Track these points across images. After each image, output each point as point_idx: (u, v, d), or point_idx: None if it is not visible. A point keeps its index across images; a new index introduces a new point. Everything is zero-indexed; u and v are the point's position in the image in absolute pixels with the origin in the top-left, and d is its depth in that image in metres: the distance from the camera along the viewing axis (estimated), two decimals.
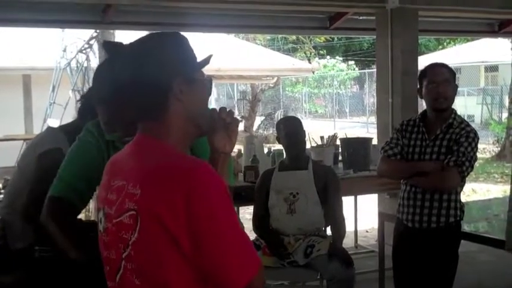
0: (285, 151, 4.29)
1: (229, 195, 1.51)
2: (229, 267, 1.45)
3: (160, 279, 1.46)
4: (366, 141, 5.50)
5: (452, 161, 3.27)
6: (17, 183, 2.96)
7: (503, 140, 15.29)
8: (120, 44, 1.90)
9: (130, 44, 1.62)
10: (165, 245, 1.44)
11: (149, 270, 1.47)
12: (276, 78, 17.52)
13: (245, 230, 1.59)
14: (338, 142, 5.51)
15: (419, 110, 3.75)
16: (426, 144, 3.39)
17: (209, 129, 1.66)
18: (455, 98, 3.48)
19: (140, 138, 1.59)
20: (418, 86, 3.47)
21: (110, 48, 1.84)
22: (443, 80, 3.35)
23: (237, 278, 1.46)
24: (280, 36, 20.16)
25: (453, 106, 3.48)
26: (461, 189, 3.51)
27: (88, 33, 10.47)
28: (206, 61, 1.63)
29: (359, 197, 6.27)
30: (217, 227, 1.45)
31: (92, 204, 6.17)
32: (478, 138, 3.37)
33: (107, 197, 1.60)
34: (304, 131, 4.19)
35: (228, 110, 1.70)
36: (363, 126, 22.06)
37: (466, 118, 3.58)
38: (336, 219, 4.10)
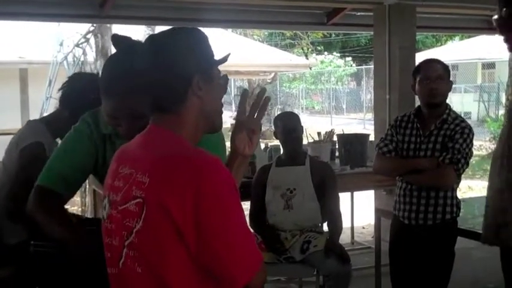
0: (282, 147, 4.28)
1: (238, 190, 1.53)
2: (232, 264, 1.46)
3: (161, 269, 1.47)
4: (363, 138, 5.50)
5: (448, 158, 3.27)
6: (2, 180, 2.95)
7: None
8: (129, 38, 1.91)
9: (153, 36, 1.63)
10: (169, 235, 1.44)
11: (151, 258, 1.48)
12: (273, 74, 17.53)
13: None
14: (335, 138, 5.51)
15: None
16: (421, 140, 3.39)
17: (234, 128, 1.70)
18: (452, 94, 3.47)
19: (153, 129, 1.60)
20: (412, 82, 3.47)
21: (118, 42, 1.83)
22: (436, 76, 3.34)
23: (239, 275, 1.47)
24: (277, 31, 20.14)
25: (450, 103, 3.48)
26: (457, 186, 3.51)
27: (85, 27, 10.43)
28: (224, 59, 1.65)
29: (355, 193, 6.27)
30: (224, 223, 1.45)
31: (88, 198, 6.16)
32: (473, 134, 3.37)
33: (113, 184, 1.60)
34: (301, 127, 4.19)
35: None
36: (360, 123, 22.07)
37: (462, 115, 3.58)
38: (332, 215, 4.10)
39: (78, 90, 2.85)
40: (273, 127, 4.49)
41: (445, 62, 3.50)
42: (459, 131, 3.31)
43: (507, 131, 2.47)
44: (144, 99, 1.84)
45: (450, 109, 3.43)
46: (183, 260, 1.45)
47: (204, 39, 1.62)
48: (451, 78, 3.46)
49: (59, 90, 2.98)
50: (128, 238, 1.51)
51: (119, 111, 2.00)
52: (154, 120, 1.61)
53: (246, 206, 4.23)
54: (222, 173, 1.49)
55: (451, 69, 3.59)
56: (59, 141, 2.99)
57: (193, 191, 1.43)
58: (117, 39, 2.01)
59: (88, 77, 3.06)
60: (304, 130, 4.28)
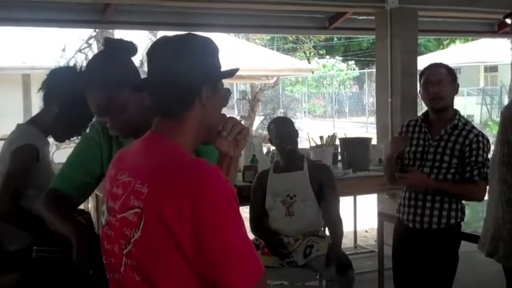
0: (278, 152, 4.25)
1: (237, 201, 1.51)
2: (231, 275, 1.45)
3: (159, 278, 1.47)
4: (365, 141, 5.49)
5: (476, 174, 3.27)
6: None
7: None
8: (121, 40, 1.97)
9: (168, 39, 1.62)
10: (167, 246, 1.44)
11: (149, 268, 1.48)
12: (275, 78, 17.49)
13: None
14: (337, 142, 5.50)
15: (419, 110, 3.74)
16: (429, 143, 3.39)
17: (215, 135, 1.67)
18: (455, 98, 3.47)
19: (152, 136, 1.60)
20: (419, 86, 3.46)
21: (109, 44, 1.87)
22: (438, 80, 3.33)
23: (236, 283, 1.45)
24: (279, 35, 20.14)
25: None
26: None
27: (87, 32, 10.46)
28: (231, 73, 1.65)
29: (358, 197, 6.26)
30: (222, 234, 1.45)
31: (90, 203, 6.16)
32: (488, 140, 3.36)
33: (111, 190, 1.60)
34: (296, 131, 4.14)
35: (234, 123, 1.69)
36: (362, 126, 22.04)
37: None
38: (331, 220, 4.03)
39: (62, 84, 2.82)
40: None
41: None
42: (474, 141, 3.30)
43: (499, 139, 2.48)
44: (122, 91, 1.98)
45: (459, 114, 3.43)
46: (181, 270, 1.45)
47: (217, 50, 1.63)
48: None
49: (40, 89, 2.93)
50: (126, 247, 1.51)
51: (99, 102, 2.07)
52: (154, 126, 1.61)
53: (247, 210, 4.23)
54: (220, 184, 1.48)
55: None
56: (50, 139, 2.99)
57: (191, 202, 1.42)
58: (108, 42, 2.11)
59: (67, 70, 3.02)
60: (306, 134, 4.24)
